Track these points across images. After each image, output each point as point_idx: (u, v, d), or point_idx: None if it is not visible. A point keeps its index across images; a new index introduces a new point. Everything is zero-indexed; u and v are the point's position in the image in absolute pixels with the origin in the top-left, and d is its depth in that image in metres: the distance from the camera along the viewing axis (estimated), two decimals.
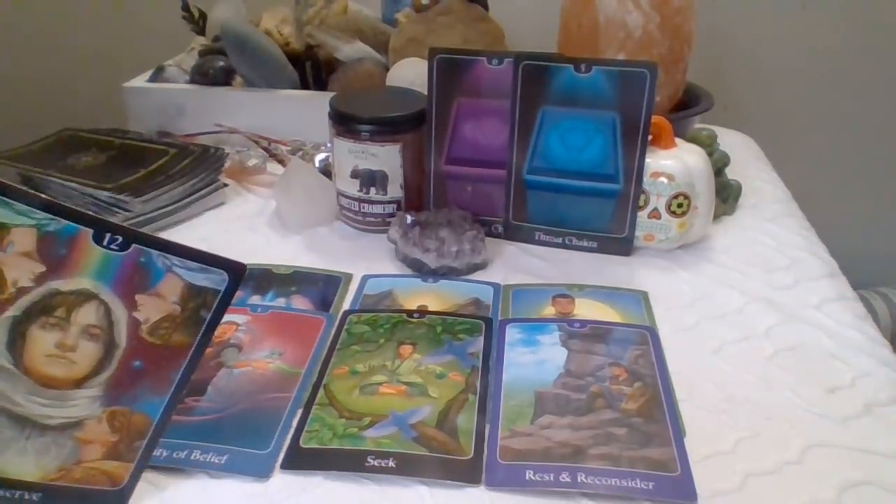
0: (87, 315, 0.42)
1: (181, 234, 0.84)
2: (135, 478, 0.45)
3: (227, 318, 0.66)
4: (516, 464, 0.51)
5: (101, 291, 0.43)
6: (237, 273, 0.45)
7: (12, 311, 0.41)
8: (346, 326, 0.67)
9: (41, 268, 0.42)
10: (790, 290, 0.73)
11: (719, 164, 0.87)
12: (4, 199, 0.41)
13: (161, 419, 0.45)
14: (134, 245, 0.43)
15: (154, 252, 0.43)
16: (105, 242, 0.42)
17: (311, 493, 0.50)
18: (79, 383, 0.43)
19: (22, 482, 0.42)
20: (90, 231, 0.42)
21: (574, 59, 0.76)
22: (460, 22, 1.01)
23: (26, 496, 0.43)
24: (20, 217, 0.42)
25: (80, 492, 0.43)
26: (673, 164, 0.76)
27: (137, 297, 0.43)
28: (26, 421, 0.42)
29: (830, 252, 0.82)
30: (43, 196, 0.42)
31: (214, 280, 0.44)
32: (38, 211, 0.42)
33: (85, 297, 0.42)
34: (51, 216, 0.42)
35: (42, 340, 0.42)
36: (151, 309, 0.43)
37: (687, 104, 0.98)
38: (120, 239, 0.43)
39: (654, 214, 0.77)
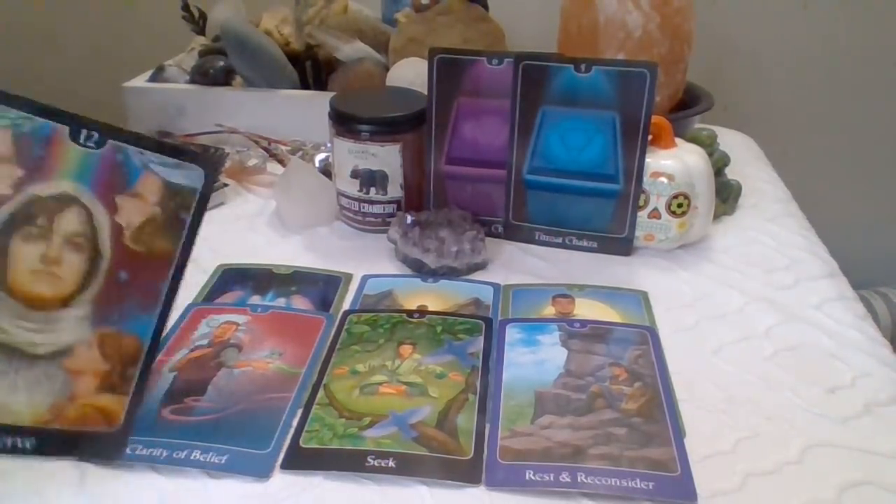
0: (69, 222, 0.40)
1: None
2: (130, 414, 0.42)
3: (227, 317, 0.66)
4: (516, 464, 0.51)
5: (82, 194, 0.41)
6: (213, 167, 0.43)
7: None
8: (346, 326, 0.67)
9: (19, 172, 0.40)
10: (790, 290, 0.73)
11: (719, 164, 0.87)
12: None
13: (152, 340, 0.43)
14: (110, 141, 0.41)
15: (131, 148, 0.42)
16: (82, 140, 0.41)
17: (311, 493, 0.50)
18: (66, 302, 0.41)
19: (14, 427, 0.40)
20: (66, 128, 0.41)
21: (574, 59, 0.76)
22: (460, 22, 1.01)
23: (19, 443, 0.41)
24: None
25: (76, 435, 0.41)
26: (673, 164, 0.76)
27: (117, 198, 0.41)
28: (14, 351, 0.40)
29: (830, 252, 0.82)
30: (17, 94, 0.39)
31: (191, 177, 0.43)
32: (11, 110, 0.39)
33: (66, 201, 0.40)
34: (25, 114, 0.40)
35: (26, 254, 0.40)
36: (132, 212, 0.41)
37: (687, 104, 0.98)
38: (96, 135, 0.41)
39: (654, 214, 0.77)
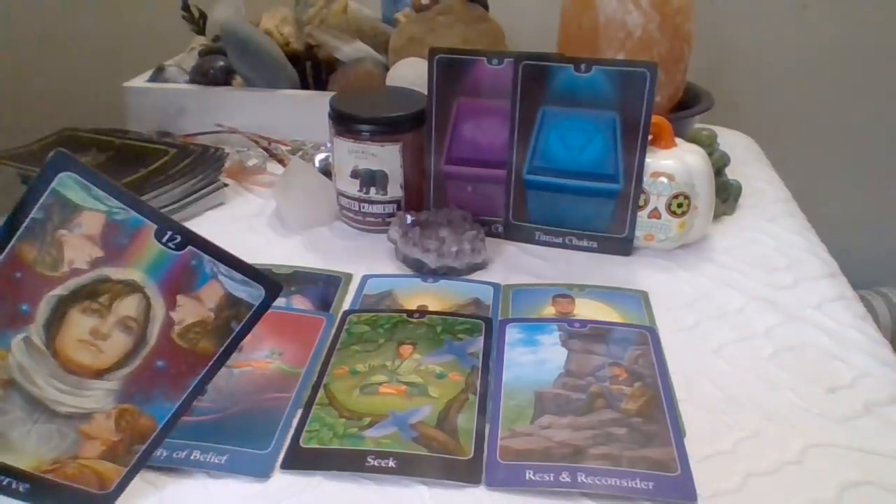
0: (128, 306, 0.43)
1: None
2: (122, 485, 0.45)
3: None
4: (516, 464, 0.51)
5: (148, 286, 0.44)
6: (273, 291, 0.46)
7: (60, 290, 0.42)
8: (346, 326, 0.67)
9: (99, 253, 0.43)
10: (790, 290, 0.73)
11: (719, 164, 0.87)
12: (84, 181, 0.42)
13: (165, 426, 0.46)
14: (190, 247, 0.44)
15: (206, 257, 0.44)
16: (165, 240, 0.43)
17: (311, 493, 0.50)
18: (100, 374, 0.43)
19: (14, 469, 0.43)
20: (154, 226, 0.43)
21: (574, 59, 0.76)
22: (460, 22, 1.01)
23: (14, 485, 0.43)
24: (94, 201, 0.42)
25: (67, 490, 0.43)
26: (673, 164, 0.76)
27: (179, 297, 0.44)
28: (39, 404, 0.43)
29: (830, 252, 0.82)
30: (122, 187, 0.43)
31: (251, 294, 0.46)
32: (112, 199, 0.43)
33: (131, 288, 0.43)
34: (122, 206, 0.43)
35: (79, 324, 0.42)
36: (188, 311, 0.44)
37: (687, 104, 0.98)
38: (179, 238, 0.44)
39: (654, 214, 0.77)
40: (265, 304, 0.46)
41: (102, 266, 0.43)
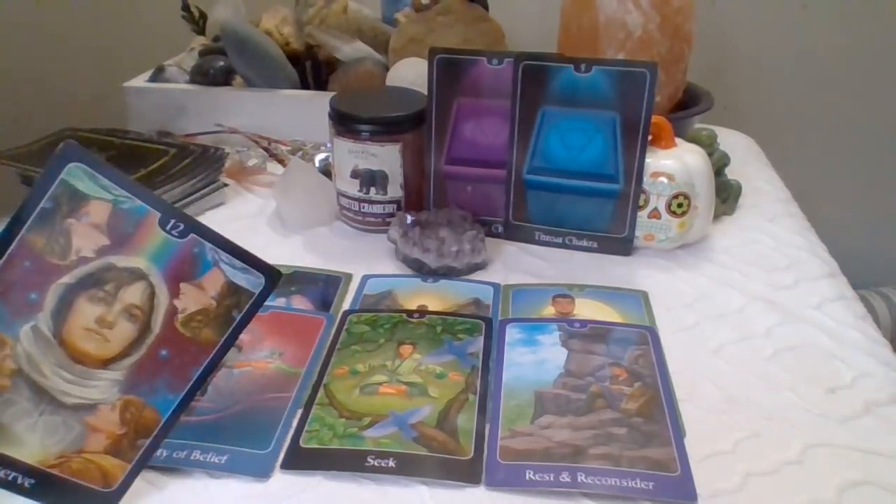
0: (133, 294, 0.44)
1: None
2: (127, 482, 0.45)
3: None
4: (516, 464, 0.51)
5: (152, 273, 0.44)
6: (273, 279, 0.46)
7: (68, 279, 0.43)
8: (346, 326, 0.67)
9: (105, 241, 0.44)
10: (790, 290, 0.73)
11: (719, 164, 0.87)
12: (92, 171, 0.43)
13: (169, 419, 0.46)
14: (192, 234, 0.45)
15: (207, 245, 0.45)
16: (168, 227, 0.44)
17: (311, 493, 0.50)
18: (106, 363, 0.44)
19: (20, 463, 0.43)
20: (158, 215, 0.44)
21: (574, 59, 0.76)
22: (460, 22, 1.01)
23: (19, 479, 0.43)
24: (101, 191, 0.43)
25: (72, 486, 0.43)
26: (673, 164, 0.76)
27: (182, 285, 0.45)
28: (45, 394, 0.43)
29: (830, 252, 0.82)
30: (128, 177, 0.44)
31: (251, 282, 0.46)
32: (118, 188, 0.44)
33: (136, 276, 0.44)
34: (128, 194, 0.44)
35: (85, 312, 0.43)
36: (191, 299, 0.45)
37: (687, 104, 0.98)
38: (182, 226, 0.45)
39: (654, 214, 0.77)
40: (265, 292, 0.47)
41: (108, 254, 0.44)
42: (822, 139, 1.50)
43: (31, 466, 0.43)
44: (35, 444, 0.43)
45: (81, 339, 0.44)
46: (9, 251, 0.42)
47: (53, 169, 0.43)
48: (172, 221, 0.45)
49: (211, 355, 0.46)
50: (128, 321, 0.44)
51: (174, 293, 0.45)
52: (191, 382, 0.46)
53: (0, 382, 0.41)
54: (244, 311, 0.47)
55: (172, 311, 0.45)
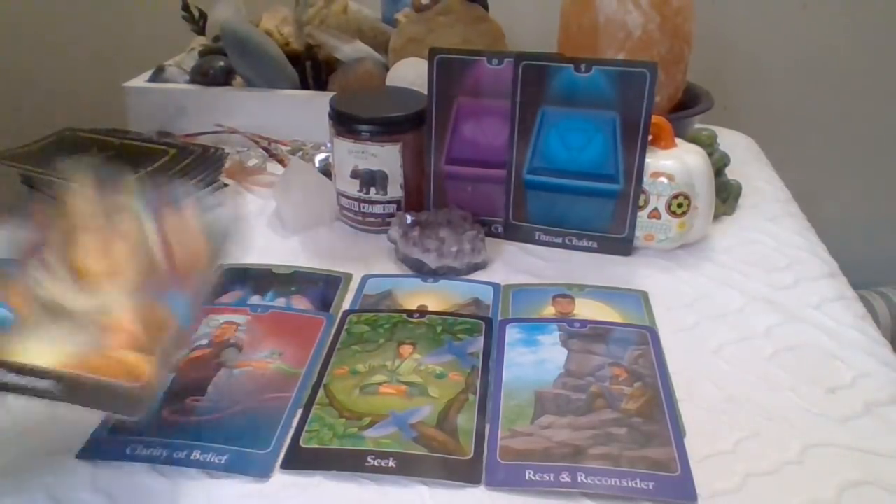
0: (128, 227, 0.47)
1: None
2: (158, 375, 0.43)
3: (227, 318, 0.67)
4: (516, 464, 0.51)
5: (141, 215, 0.48)
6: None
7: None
8: (346, 326, 0.67)
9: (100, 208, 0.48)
10: (790, 290, 0.73)
11: (719, 164, 0.87)
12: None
13: (184, 317, 0.45)
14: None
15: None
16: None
17: (311, 493, 0.50)
18: (111, 275, 0.45)
19: (39, 369, 0.41)
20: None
21: (574, 59, 0.76)
22: (460, 22, 1.01)
23: (44, 385, 0.41)
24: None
25: (99, 384, 0.41)
26: (673, 164, 0.76)
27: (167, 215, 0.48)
28: (55, 305, 0.44)
29: (830, 252, 0.82)
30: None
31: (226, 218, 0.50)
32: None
33: (128, 212, 0.48)
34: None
35: (89, 243, 0.46)
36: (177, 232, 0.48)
37: (687, 104, 0.98)
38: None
39: (654, 214, 0.77)
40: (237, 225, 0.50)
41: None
42: (822, 139, 1.50)
43: (52, 370, 0.41)
44: (48, 349, 0.42)
45: (86, 262, 0.45)
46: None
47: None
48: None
49: (206, 275, 0.48)
50: (126, 245, 0.47)
51: (161, 228, 0.48)
52: (195, 287, 0.47)
53: (14, 305, 0.42)
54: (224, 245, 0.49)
55: (167, 246, 0.47)
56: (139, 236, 0.47)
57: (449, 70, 0.79)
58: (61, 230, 0.46)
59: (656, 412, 0.56)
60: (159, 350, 0.43)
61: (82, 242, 0.46)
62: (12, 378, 0.40)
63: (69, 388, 0.41)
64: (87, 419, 0.52)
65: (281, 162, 1.00)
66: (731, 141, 1.08)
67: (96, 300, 0.44)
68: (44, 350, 0.42)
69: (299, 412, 0.57)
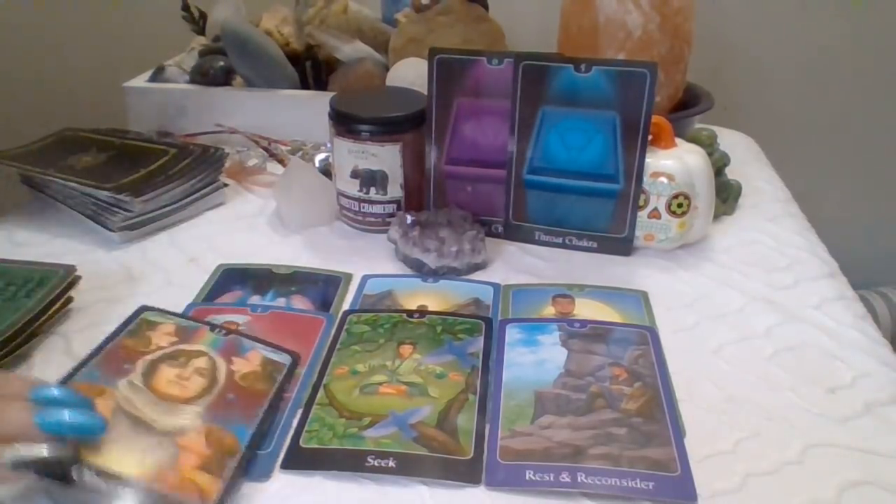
0: (200, 362, 0.58)
1: (181, 234, 0.84)
2: (223, 499, 0.48)
3: (227, 317, 0.67)
4: (516, 464, 0.51)
5: (211, 352, 0.59)
6: (295, 358, 0.61)
7: (151, 357, 0.58)
8: (346, 326, 0.67)
9: (174, 339, 0.61)
10: (790, 290, 0.73)
11: (719, 164, 0.87)
12: (162, 312, 0.64)
13: (249, 444, 0.52)
14: (233, 335, 0.62)
15: (245, 340, 0.62)
16: (216, 332, 0.62)
17: (311, 493, 0.50)
18: (188, 401, 0.54)
19: (125, 476, 0.46)
20: (207, 327, 0.63)
21: (574, 59, 0.76)
22: (460, 22, 1.01)
23: (125, 491, 0.46)
24: (168, 317, 0.64)
25: (174, 500, 0.47)
26: (673, 164, 0.76)
27: (233, 358, 0.59)
28: (141, 423, 0.51)
29: (830, 252, 0.82)
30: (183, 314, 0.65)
31: (283, 357, 0.61)
32: (179, 316, 0.64)
33: (200, 353, 0.59)
34: (185, 318, 0.64)
35: (167, 372, 0.56)
36: (242, 365, 0.59)
37: (687, 104, 0.98)
38: (224, 332, 0.63)
39: (654, 214, 0.77)
40: (292, 367, 0.61)
41: (178, 345, 0.60)
42: (822, 139, 1.50)
43: (131, 477, 0.46)
44: (134, 461, 0.48)
45: (166, 387, 0.55)
46: (107, 347, 0.58)
47: (134, 314, 0.63)
48: (218, 329, 0.62)
49: (268, 399, 0.56)
50: (199, 376, 0.57)
51: (229, 363, 0.59)
52: (258, 418, 0.54)
53: (104, 415, 0.48)
54: (282, 375, 0.59)
55: (231, 372, 0.58)
56: (211, 372, 0.57)
57: (449, 70, 0.79)
58: (146, 361, 0.57)
59: (656, 412, 0.56)
60: (226, 472, 0.49)
61: (164, 373, 0.56)
62: (95, 480, 0.45)
63: (148, 499, 0.46)
64: None
65: (281, 162, 1.00)
66: (731, 141, 1.08)
67: (175, 420, 0.51)
68: (128, 460, 0.47)
69: (299, 412, 0.57)
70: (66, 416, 0.44)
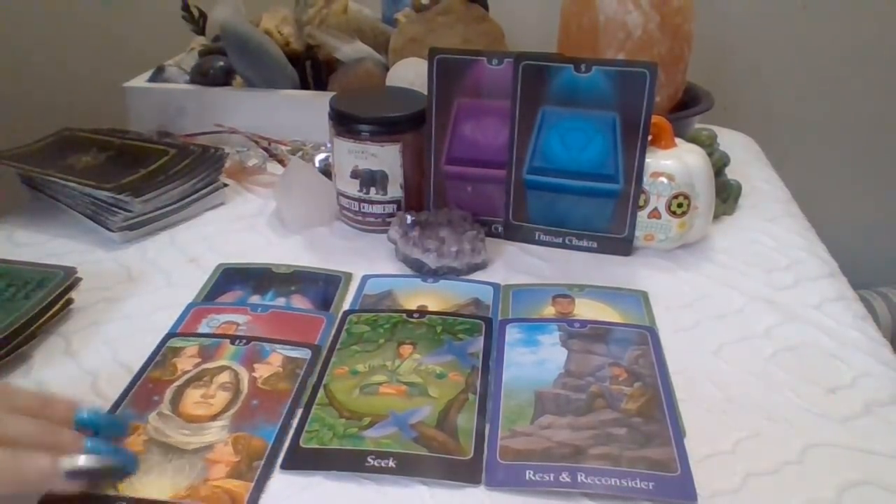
0: (223, 377, 0.60)
1: (181, 234, 0.84)
2: (254, 497, 0.49)
3: (227, 317, 0.67)
4: (516, 464, 0.51)
5: (233, 365, 0.61)
6: (315, 350, 0.63)
7: (177, 383, 0.59)
8: (346, 326, 0.67)
9: (199, 360, 0.62)
10: (790, 290, 0.73)
11: (719, 164, 0.87)
12: (185, 337, 0.65)
13: (275, 442, 0.54)
14: (253, 343, 0.64)
15: (265, 344, 0.64)
16: (237, 343, 0.64)
17: (311, 493, 0.50)
18: (213, 417, 0.56)
19: (155, 501, 0.49)
20: (228, 340, 0.64)
21: (574, 59, 0.76)
22: (460, 22, 1.01)
23: None
24: (191, 340, 0.65)
25: None
26: (673, 164, 0.76)
27: (255, 364, 0.61)
28: (171, 448, 0.53)
29: (830, 252, 0.82)
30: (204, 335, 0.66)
31: (303, 353, 0.63)
32: (202, 337, 0.65)
33: (222, 368, 0.61)
34: (209, 339, 0.65)
35: (192, 395, 0.58)
36: (263, 370, 0.61)
37: (687, 104, 0.98)
38: (244, 341, 0.64)
39: (654, 214, 0.77)
40: (313, 360, 0.62)
41: (202, 365, 0.62)
42: (822, 139, 1.50)
43: (164, 501, 0.49)
44: (166, 483, 0.50)
45: (193, 409, 0.57)
46: (136, 385, 0.59)
47: (160, 343, 0.64)
48: (238, 342, 0.64)
49: (291, 396, 0.58)
50: (223, 391, 0.58)
51: (251, 370, 0.61)
52: (282, 415, 0.56)
53: (136, 449, 0.52)
54: (304, 368, 0.61)
55: (253, 379, 0.60)
56: (235, 385, 0.59)
57: (449, 70, 0.79)
58: (173, 389, 0.59)
59: (656, 412, 0.56)
60: (255, 472, 0.51)
61: (190, 396, 0.58)
62: None
63: None
64: None
65: (281, 162, 1.00)
66: (731, 141, 1.08)
67: (202, 438, 0.53)
68: (161, 484, 0.50)
69: (299, 412, 0.57)
70: (95, 461, 0.47)
